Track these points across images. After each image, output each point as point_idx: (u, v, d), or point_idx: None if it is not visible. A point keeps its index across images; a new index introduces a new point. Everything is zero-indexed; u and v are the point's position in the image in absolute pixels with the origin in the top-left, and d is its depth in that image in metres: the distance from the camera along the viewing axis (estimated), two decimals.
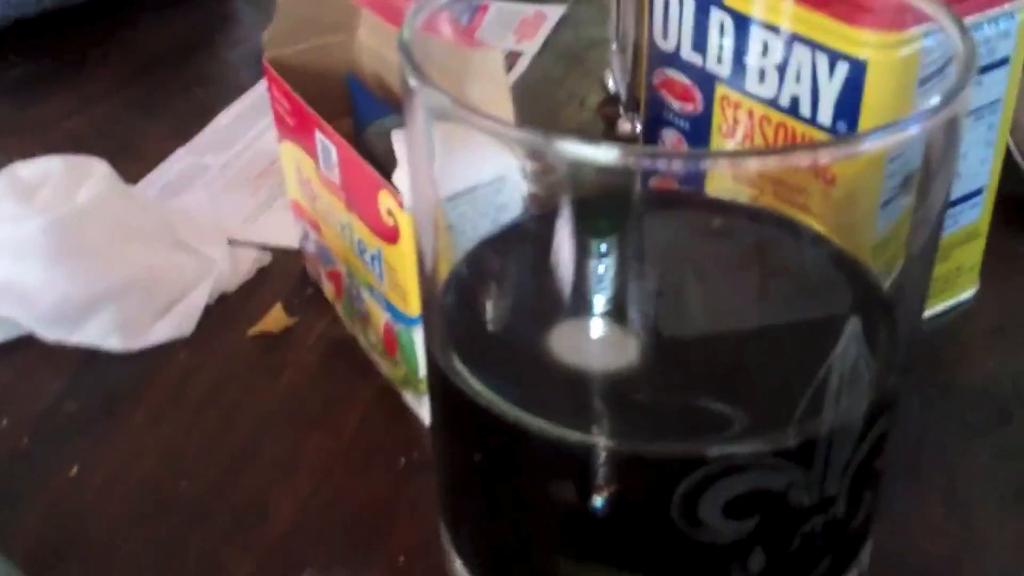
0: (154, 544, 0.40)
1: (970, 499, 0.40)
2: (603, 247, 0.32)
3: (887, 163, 0.40)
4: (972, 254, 0.49)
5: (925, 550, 0.39)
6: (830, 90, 0.41)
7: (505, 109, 0.41)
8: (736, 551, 0.30)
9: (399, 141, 0.42)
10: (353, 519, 0.41)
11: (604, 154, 0.26)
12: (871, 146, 0.27)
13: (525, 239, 0.36)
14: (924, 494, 0.41)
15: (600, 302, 0.31)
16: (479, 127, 0.28)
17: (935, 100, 0.28)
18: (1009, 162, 0.50)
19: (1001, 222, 0.49)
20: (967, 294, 0.49)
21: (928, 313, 0.48)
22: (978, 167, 0.47)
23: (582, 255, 0.31)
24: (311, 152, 0.46)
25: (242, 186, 0.59)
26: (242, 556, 0.40)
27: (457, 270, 0.34)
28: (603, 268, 0.32)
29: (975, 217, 0.48)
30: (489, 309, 0.34)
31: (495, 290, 0.35)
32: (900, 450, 0.36)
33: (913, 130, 0.27)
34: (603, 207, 0.34)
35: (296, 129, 0.47)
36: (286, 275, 0.53)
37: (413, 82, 0.29)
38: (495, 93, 0.42)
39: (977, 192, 0.47)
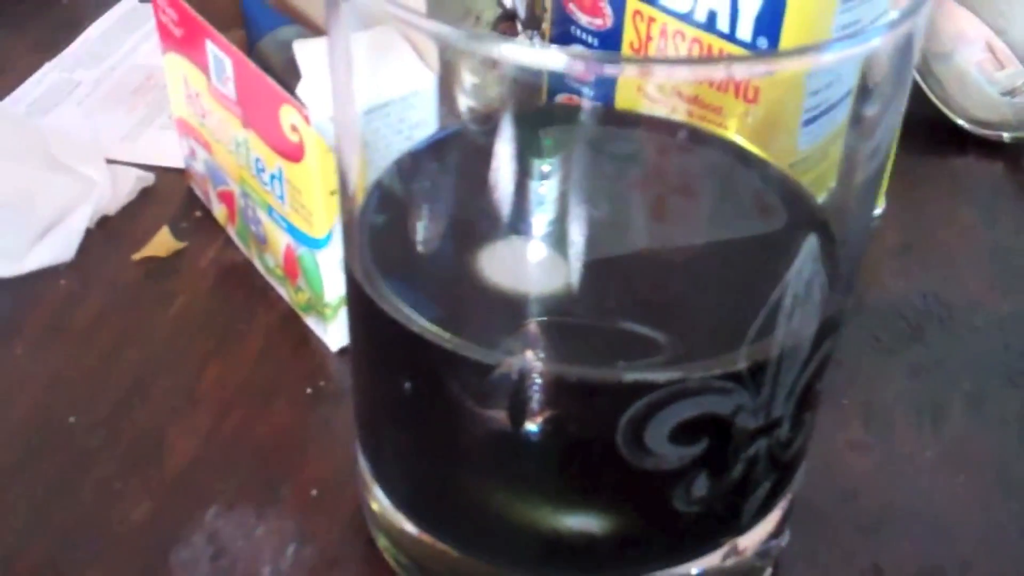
0: (42, 484, 0.37)
1: (889, 417, 0.40)
2: (538, 165, 0.30)
3: (808, 79, 0.39)
4: None
5: (849, 469, 0.38)
6: (750, 4, 0.40)
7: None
8: (680, 477, 0.29)
9: (302, 51, 0.39)
10: (259, 453, 0.39)
11: (553, 59, 0.24)
12: (834, 56, 0.26)
13: (453, 154, 0.34)
14: (844, 414, 0.40)
15: (537, 222, 0.30)
16: (420, 29, 0.26)
17: (892, 15, 0.26)
18: (912, 84, 0.50)
19: (905, 143, 0.49)
20: (874, 214, 0.49)
21: None
22: None
23: (515, 173, 0.30)
24: (201, 65, 0.43)
25: (118, 103, 0.55)
26: (139, 495, 0.37)
27: (380, 186, 0.32)
28: (539, 187, 0.30)
29: None
30: (414, 228, 0.32)
31: (421, 207, 0.33)
32: None
33: (871, 43, 0.26)
34: (540, 123, 0.33)
35: (184, 41, 0.44)
36: (171, 196, 0.50)
37: None
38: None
39: None
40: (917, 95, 0.53)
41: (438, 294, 0.30)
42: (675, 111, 0.40)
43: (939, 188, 0.52)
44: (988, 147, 0.53)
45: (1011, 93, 0.55)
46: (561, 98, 0.46)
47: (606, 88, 0.44)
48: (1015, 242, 0.49)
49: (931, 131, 0.54)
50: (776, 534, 0.34)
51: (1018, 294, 0.46)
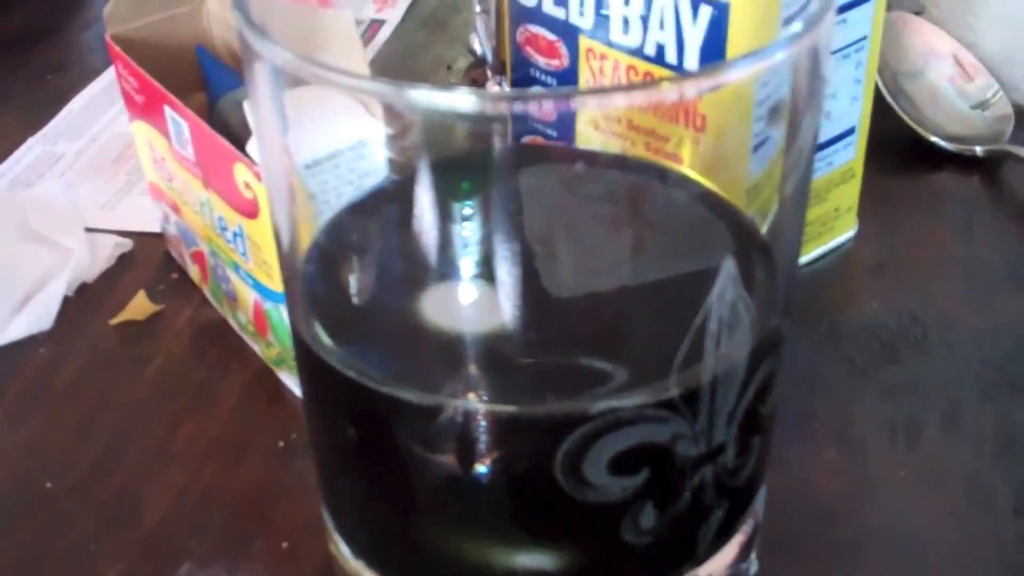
0: (19, 549, 0.38)
1: (863, 439, 0.40)
2: (467, 208, 0.31)
3: (756, 104, 0.39)
4: (849, 195, 0.48)
5: (822, 492, 0.38)
6: (695, 35, 0.40)
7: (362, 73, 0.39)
8: (626, 509, 0.29)
9: (250, 110, 0.40)
10: (232, 508, 0.39)
11: (463, 101, 0.25)
12: (737, 74, 0.26)
13: (387, 205, 0.35)
14: (817, 437, 0.40)
15: (467, 264, 0.30)
16: (328, 81, 0.26)
17: (796, 27, 0.27)
18: (880, 102, 0.50)
19: (876, 163, 0.49)
20: (846, 235, 0.49)
21: (809, 256, 0.48)
22: (848, 106, 0.46)
23: (445, 218, 0.30)
24: (163, 130, 0.44)
25: (99, 172, 0.56)
26: (113, 556, 0.37)
27: (317, 241, 0.32)
28: (468, 229, 0.30)
29: (849, 157, 0.47)
30: (353, 279, 0.32)
31: (358, 259, 0.33)
32: (791, 394, 0.36)
33: (778, 56, 0.26)
34: (463, 167, 0.33)
35: (145, 107, 0.45)
36: (150, 261, 0.50)
37: (253, 40, 0.27)
38: (350, 55, 0.40)
39: (849, 132, 0.46)
40: (887, 115, 0.53)
41: (377, 343, 0.31)
42: (633, 145, 0.40)
43: (913, 206, 0.52)
44: (962, 163, 0.53)
45: (982, 106, 0.55)
46: (527, 139, 0.47)
47: (566, 127, 0.44)
48: (991, 256, 0.48)
49: (903, 150, 0.54)
50: (740, 560, 0.34)
51: (993, 308, 0.45)
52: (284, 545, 0.38)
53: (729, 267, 0.27)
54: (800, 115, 0.28)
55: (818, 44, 0.27)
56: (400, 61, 0.64)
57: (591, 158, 0.36)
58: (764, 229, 0.31)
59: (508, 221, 0.31)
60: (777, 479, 0.35)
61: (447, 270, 0.30)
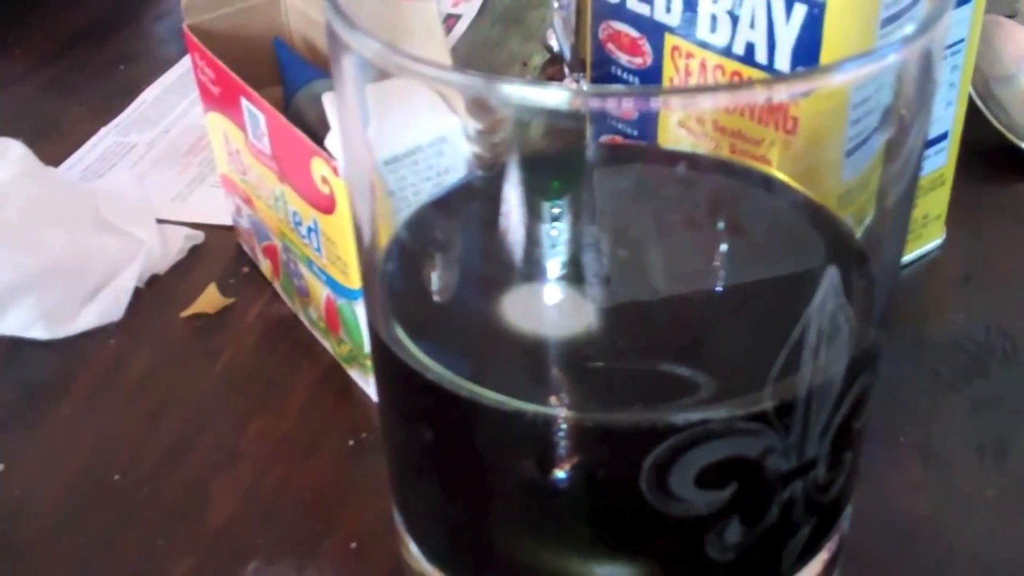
0: (88, 542, 0.37)
1: (948, 455, 0.39)
2: (554, 208, 0.30)
3: (852, 107, 0.38)
4: (938, 202, 0.47)
5: (906, 510, 0.37)
6: (787, 34, 0.39)
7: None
8: (711, 523, 0.28)
9: (330, 103, 0.39)
10: (300, 506, 0.38)
11: (552, 96, 0.24)
12: (840, 79, 0.25)
13: (470, 202, 0.34)
14: (901, 452, 0.39)
15: (553, 266, 0.29)
16: (416, 74, 0.25)
17: (908, 29, 0.25)
18: (971, 107, 0.48)
19: (965, 169, 0.47)
20: (934, 243, 0.48)
21: None
22: (942, 111, 0.45)
23: (532, 217, 0.29)
24: (239, 122, 0.44)
25: (170, 164, 0.56)
26: (182, 551, 0.37)
27: (397, 237, 0.31)
28: (555, 230, 0.30)
29: (941, 164, 0.46)
30: (434, 278, 0.31)
31: (439, 257, 0.32)
32: (874, 408, 0.34)
33: (889, 59, 0.25)
34: (553, 165, 0.32)
35: (222, 98, 0.44)
36: (220, 254, 0.50)
37: (342, 31, 0.26)
38: (432, 48, 0.39)
39: (942, 138, 0.45)
40: (978, 121, 0.51)
41: (458, 344, 0.30)
42: (718, 147, 0.39)
43: (1002, 215, 0.50)
44: None
45: None
46: (606, 138, 0.46)
47: (648, 126, 0.43)
48: None
49: (993, 157, 0.52)
50: None
51: None
52: (352, 545, 0.37)
53: (832, 276, 0.26)
54: (909, 121, 0.27)
55: (932, 47, 0.25)
56: (475, 57, 0.63)
57: (684, 160, 0.35)
58: (860, 236, 0.30)
59: (596, 222, 0.30)
60: (860, 494, 0.34)
61: (532, 271, 0.29)
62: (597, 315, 0.28)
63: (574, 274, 0.28)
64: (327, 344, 0.44)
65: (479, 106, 0.31)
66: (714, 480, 0.27)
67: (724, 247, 0.30)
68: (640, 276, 0.30)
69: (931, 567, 0.35)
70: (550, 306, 0.29)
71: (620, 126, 0.44)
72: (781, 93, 0.25)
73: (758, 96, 0.25)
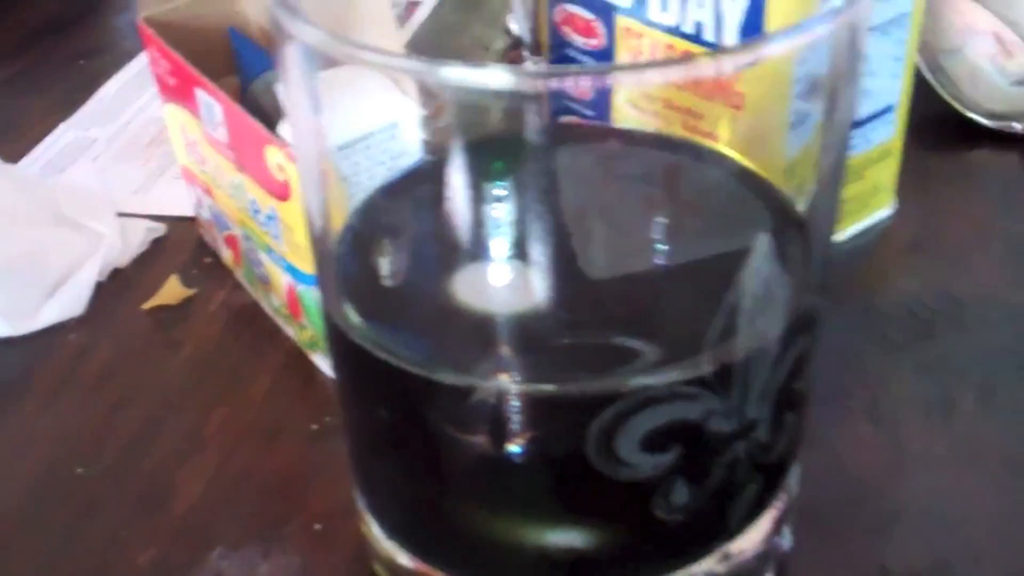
0: (51, 535, 0.38)
1: (896, 415, 0.39)
2: (500, 188, 0.30)
3: (794, 82, 0.38)
4: (887, 172, 0.47)
5: (855, 469, 0.38)
6: (734, 11, 0.40)
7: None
8: (658, 485, 0.29)
9: (282, 92, 0.40)
10: (264, 491, 0.39)
11: (497, 78, 0.24)
12: (775, 49, 0.25)
13: (419, 186, 0.34)
14: (851, 414, 0.39)
15: (498, 245, 0.30)
16: (359, 60, 0.26)
17: (837, 2, 0.26)
18: (919, 80, 0.49)
19: (915, 140, 0.48)
20: (884, 213, 0.48)
21: (846, 233, 0.47)
22: (888, 83, 0.45)
23: (479, 198, 0.30)
24: (195, 113, 0.44)
25: (131, 157, 0.56)
26: (145, 541, 0.37)
27: (349, 223, 0.32)
28: (502, 210, 0.30)
29: (888, 135, 0.46)
30: (386, 261, 0.32)
31: (391, 241, 0.33)
32: (824, 371, 0.35)
33: (818, 31, 0.26)
34: (498, 146, 0.32)
35: (177, 90, 0.45)
36: (183, 245, 0.51)
37: (284, 20, 0.27)
38: (384, 38, 0.40)
39: (888, 109, 0.46)
40: (926, 92, 0.52)
41: (406, 325, 0.30)
42: (669, 124, 0.40)
43: (952, 184, 0.51)
44: (1001, 140, 0.52)
45: (1023, 83, 0.54)
46: (564, 119, 0.46)
47: (602, 107, 0.44)
48: None
49: (942, 127, 0.53)
50: (774, 534, 0.33)
51: None
52: (317, 527, 0.37)
53: (763, 244, 0.27)
54: (838, 92, 0.27)
55: (857, 20, 0.26)
56: (436, 42, 0.63)
57: (626, 136, 0.35)
58: (802, 207, 0.31)
59: (542, 201, 0.31)
60: (811, 454, 0.35)
61: (480, 251, 0.30)
62: (543, 291, 0.29)
63: (519, 252, 0.29)
64: (290, 331, 0.45)
65: (424, 91, 0.31)
66: (659, 444, 0.28)
67: (666, 221, 0.31)
68: (586, 251, 0.30)
69: (882, 520, 0.36)
70: (497, 284, 0.30)
71: (577, 107, 0.45)
72: (710, 67, 0.26)
73: (698, 70, 0.25)
